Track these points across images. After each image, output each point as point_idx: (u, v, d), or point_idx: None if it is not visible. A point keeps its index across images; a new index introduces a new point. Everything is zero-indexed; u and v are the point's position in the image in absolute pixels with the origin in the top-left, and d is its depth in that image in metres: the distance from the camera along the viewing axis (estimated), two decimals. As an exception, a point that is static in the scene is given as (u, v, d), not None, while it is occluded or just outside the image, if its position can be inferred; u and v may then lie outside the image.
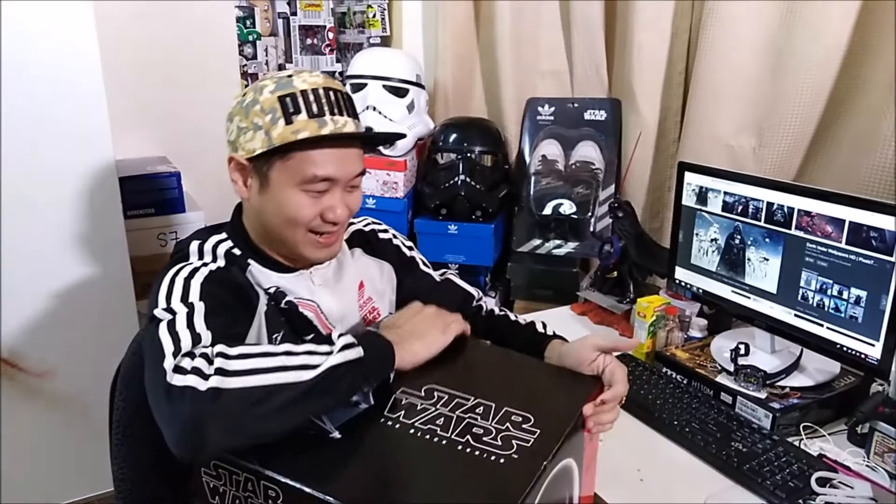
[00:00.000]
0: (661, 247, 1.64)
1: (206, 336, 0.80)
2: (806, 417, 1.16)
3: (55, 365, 1.62)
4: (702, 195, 1.35)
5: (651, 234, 1.96)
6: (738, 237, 1.29)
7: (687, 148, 1.82)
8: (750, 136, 1.71)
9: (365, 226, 1.18)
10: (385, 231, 1.20)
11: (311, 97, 0.92)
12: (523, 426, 0.78)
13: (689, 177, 1.38)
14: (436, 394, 0.84)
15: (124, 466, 1.07)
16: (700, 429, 1.14)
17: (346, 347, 0.80)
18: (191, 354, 0.76)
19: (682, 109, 1.87)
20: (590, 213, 1.97)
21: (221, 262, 0.96)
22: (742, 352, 1.28)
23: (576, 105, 2.07)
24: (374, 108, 1.90)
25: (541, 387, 0.93)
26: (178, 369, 0.74)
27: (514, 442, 0.75)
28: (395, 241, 1.19)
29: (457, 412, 0.80)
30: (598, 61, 2.05)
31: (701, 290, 1.39)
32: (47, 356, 1.60)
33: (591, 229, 1.98)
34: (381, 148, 1.92)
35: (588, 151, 2.04)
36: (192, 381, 0.72)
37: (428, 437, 0.76)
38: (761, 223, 1.24)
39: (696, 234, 1.38)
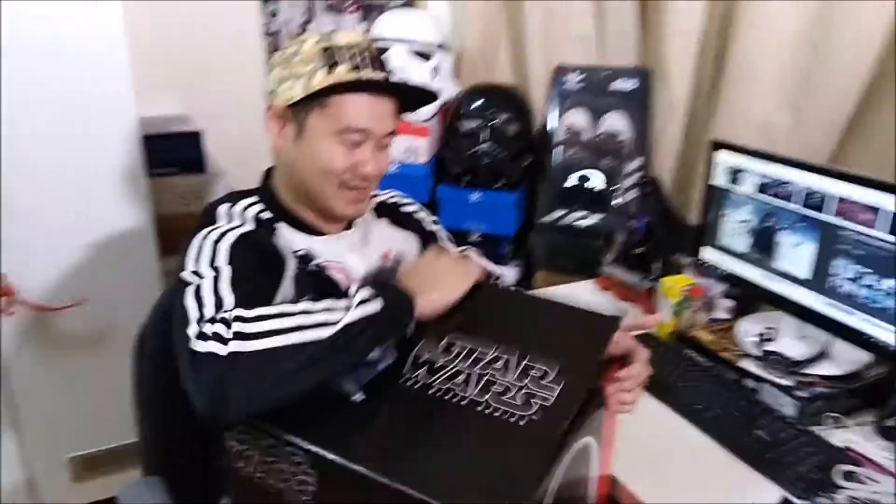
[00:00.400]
0: (689, 225, 1.60)
1: (230, 300, 0.80)
2: (832, 407, 1.14)
3: (79, 324, 1.64)
4: (734, 175, 1.32)
5: (678, 209, 1.93)
6: (772, 220, 1.25)
7: (719, 123, 1.76)
8: (785, 113, 1.65)
9: (389, 198, 1.19)
10: (409, 204, 1.21)
11: (353, 51, 0.96)
12: (542, 381, 0.77)
13: (722, 155, 1.34)
14: (455, 348, 0.82)
15: (150, 426, 1.09)
16: (722, 414, 1.13)
17: (364, 302, 0.78)
18: (213, 320, 0.75)
19: (714, 82, 1.81)
20: (615, 186, 1.93)
21: (251, 226, 0.96)
22: (768, 337, 1.26)
23: (605, 73, 2.01)
24: (398, 72, 1.86)
25: (559, 329, 0.90)
26: (201, 335, 0.73)
27: (533, 402, 0.74)
28: (419, 215, 1.20)
29: (476, 368, 0.79)
30: (629, 28, 1.98)
31: (728, 272, 1.36)
32: (71, 314, 1.61)
33: (617, 202, 1.95)
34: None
35: (616, 122, 1.99)
36: (213, 346, 0.72)
37: (448, 396, 0.75)
38: (797, 207, 1.20)
39: (726, 215, 1.34)
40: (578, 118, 2.02)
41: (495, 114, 1.92)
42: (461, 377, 0.78)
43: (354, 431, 0.72)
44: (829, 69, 1.52)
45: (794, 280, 1.22)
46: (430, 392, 0.76)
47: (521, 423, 0.71)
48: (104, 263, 1.63)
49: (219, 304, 0.79)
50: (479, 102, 1.94)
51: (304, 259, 0.99)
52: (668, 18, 1.81)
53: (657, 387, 1.18)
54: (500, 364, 0.80)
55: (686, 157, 1.91)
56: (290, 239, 0.99)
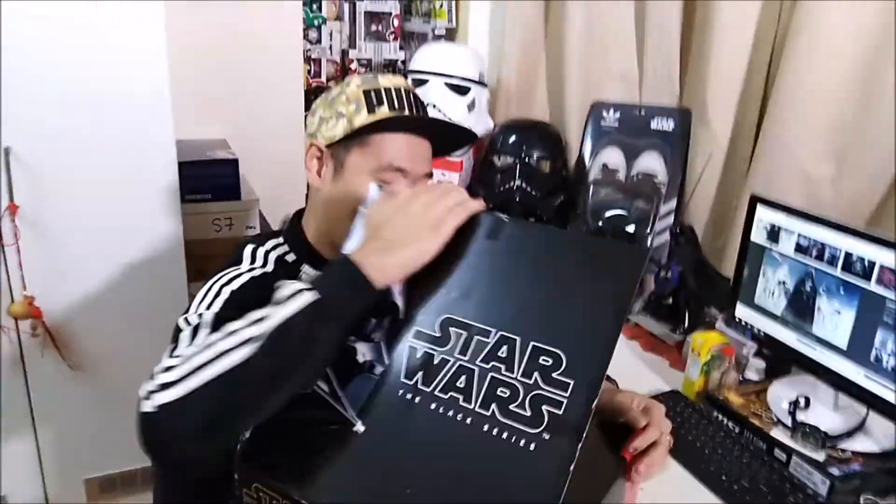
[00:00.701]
0: (723, 276, 1.56)
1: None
2: (867, 486, 1.09)
3: (104, 345, 1.66)
4: (773, 232, 1.27)
5: (712, 254, 1.87)
6: (810, 283, 1.20)
7: (759, 169, 1.71)
8: (829, 163, 1.59)
9: None
10: None
11: (394, 94, 0.98)
12: (554, 375, 0.68)
13: (762, 212, 1.30)
14: (451, 331, 0.73)
15: (164, 487, 1.08)
16: (750, 488, 1.08)
17: (293, 296, 0.67)
18: (151, 376, 0.69)
19: (757, 126, 1.76)
20: (648, 230, 1.89)
21: (269, 268, 0.97)
22: (802, 405, 1.21)
23: (643, 112, 1.98)
24: (435, 106, 1.86)
25: (571, 288, 0.75)
26: (150, 389, 0.66)
27: (544, 410, 0.67)
28: None
29: (478, 360, 0.71)
30: (671, 67, 1.94)
31: (762, 333, 1.31)
32: (95, 338, 1.63)
33: (649, 244, 1.90)
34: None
35: (652, 163, 1.95)
36: (146, 405, 0.64)
37: (451, 413, 0.69)
38: (837, 272, 1.15)
39: (763, 274, 1.30)
40: (613, 156, 1.99)
41: (530, 150, 1.90)
42: (463, 378, 0.70)
43: (361, 481, 0.69)
44: (877, 120, 1.46)
45: (832, 348, 1.17)
46: (432, 407, 0.70)
47: (531, 447, 0.66)
48: (133, 286, 1.64)
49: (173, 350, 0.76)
50: (513, 138, 1.93)
51: None
52: (713, 59, 1.77)
53: (682, 452, 1.15)
54: (504, 351, 0.71)
55: (722, 203, 1.86)
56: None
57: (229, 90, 2.07)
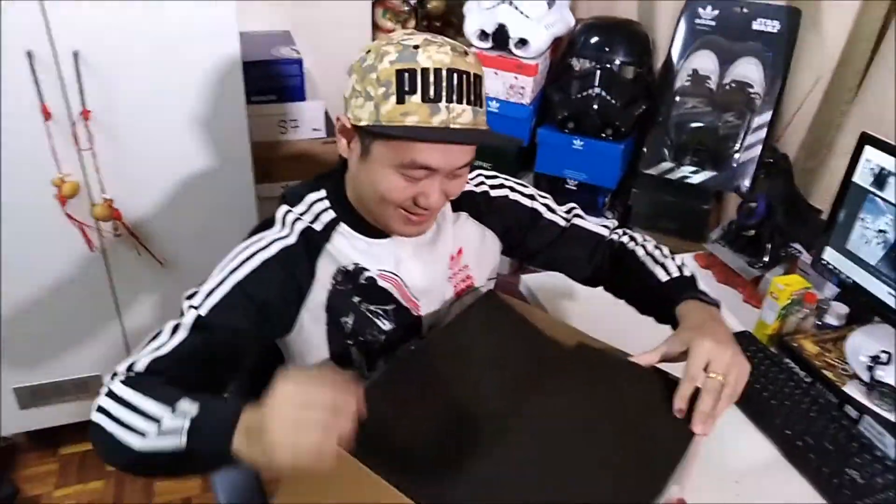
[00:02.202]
0: (815, 210, 1.45)
1: (142, 364, 0.82)
2: (941, 453, 1.05)
3: (178, 243, 1.71)
4: (881, 177, 1.15)
5: (804, 174, 1.74)
6: (914, 237, 1.10)
7: (873, 85, 1.53)
8: (957, 85, 1.41)
9: (477, 185, 1.08)
10: (500, 187, 1.09)
11: (432, 78, 0.82)
12: None
13: (870, 152, 1.17)
14: None
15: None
16: (815, 444, 1.06)
17: (166, 434, 0.71)
18: (115, 374, 0.82)
19: (876, 40, 1.55)
20: (736, 146, 1.76)
21: (292, 240, 0.93)
22: (883, 360, 1.15)
23: (745, 10, 1.77)
24: (511, 2, 1.71)
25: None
26: (109, 380, 0.81)
27: None
28: (513, 196, 1.09)
29: None
30: (783, -42, 1.71)
31: (851, 280, 1.23)
32: (169, 238, 1.69)
33: (735, 160, 1.78)
34: (512, 48, 1.76)
35: (749, 70, 1.77)
36: (101, 395, 0.79)
37: None
38: (949, 229, 1.05)
39: (862, 219, 1.19)
40: (706, 61, 1.82)
41: (612, 55, 1.75)
42: None
43: None
44: None
45: (928, 307, 1.09)
46: None
47: None
48: (202, 189, 1.67)
49: (134, 360, 0.83)
50: (595, 39, 1.77)
51: (354, 274, 0.95)
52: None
53: (747, 399, 1.12)
54: None
55: (822, 123, 1.69)
56: (342, 249, 0.95)
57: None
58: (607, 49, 1.76)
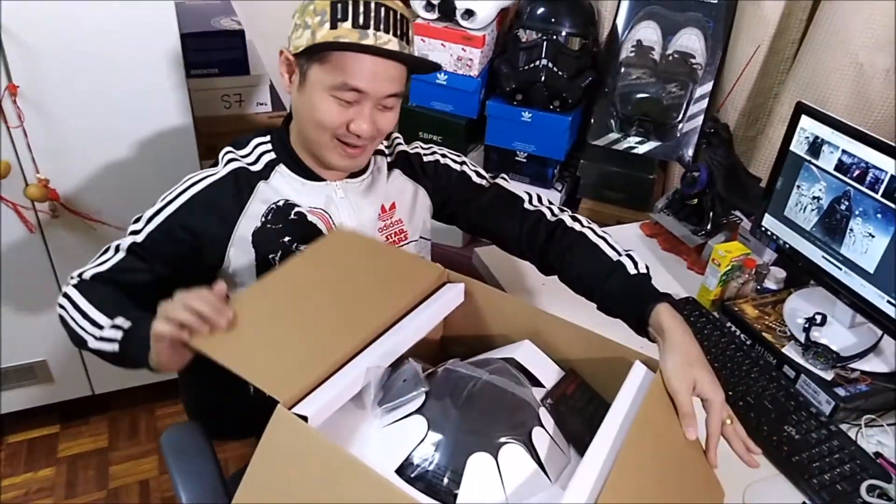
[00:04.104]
0: (754, 178, 1.50)
1: (113, 261, 0.99)
2: (871, 406, 1.12)
3: (119, 226, 1.65)
4: (815, 146, 1.20)
5: (745, 143, 1.80)
6: (846, 203, 1.15)
7: (807, 54, 1.58)
8: (886, 55, 1.47)
9: (412, 149, 1.18)
10: (431, 154, 1.19)
11: (361, 7, 0.93)
12: None
13: (806, 121, 1.21)
14: None
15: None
16: (755, 404, 1.12)
17: (107, 340, 0.90)
18: (73, 277, 0.99)
19: (812, 6, 1.60)
20: (680, 116, 1.79)
21: (220, 174, 1.03)
22: (818, 321, 1.21)
23: (688, -20, 1.79)
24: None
25: None
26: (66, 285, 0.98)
27: None
28: (443, 161, 1.18)
29: None
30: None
31: (787, 246, 1.28)
32: (111, 217, 1.63)
33: (678, 130, 1.81)
34: (459, 19, 1.74)
35: (690, 41, 1.80)
36: (65, 289, 0.98)
37: None
38: (877, 195, 1.10)
39: (798, 187, 1.24)
40: (649, 33, 1.84)
41: (558, 26, 1.75)
42: None
43: None
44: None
45: (859, 270, 1.15)
46: None
47: None
48: (145, 166, 1.61)
49: (97, 263, 1.00)
50: (541, 10, 1.77)
51: (282, 210, 1.03)
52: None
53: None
54: None
55: (764, 84, 1.74)
56: (277, 187, 1.05)
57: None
58: (553, 20, 1.76)
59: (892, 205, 1.07)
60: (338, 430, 0.75)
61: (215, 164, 1.06)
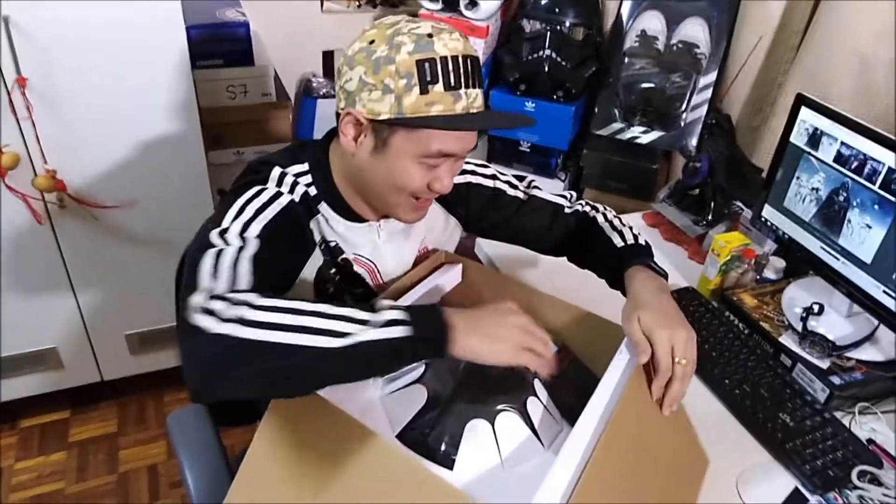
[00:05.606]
0: (756, 168, 1.50)
1: (245, 281, 0.76)
2: (866, 394, 1.13)
3: (129, 216, 1.68)
4: (815, 137, 1.20)
5: (748, 133, 1.80)
6: (844, 194, 1.16)
7: (811, 45, 1.58)
8: (889, 46, 1.46)
9: None
10: (461, 173, 1.09)
11: (451, 65, 0.83)
12: None
13: (805, 113, 1.22)
14: None
15: None
16: (751, 392, 1.13)
17: (392, 324, 0.70)
18: (219, 297, 0.71)
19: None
20: (683, 107, 1.80)
21: (296, 197, 0.92)
22: (815, 311, 1.22)
23: (691, -30, 1.79)
24: (460, -38, 1.69)
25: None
26: (201, 310, 0.69)
27: None
28: (475, 181, 1.10)
29: None
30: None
31: (786, 236, 1.29)
32: (119, 208, 1.65)
33: (682, 120, 1.82)
34: (462, 9, 1.75)
35: (695, 31, 1.80)
36: (206, 322, 0.68)
37: None
38: (875, 187, 1.11)
39: (798, 178, 1.25)
40: (653, 23, 1.84)
41: (562, 16, 1.76)
42: None
43: None
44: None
45: (856, 260, 1.16)
46: None
47: None
48: (152, 157, 1.63)
49: (232, 282, 0.75)
50: (545, 0, 1.77)
51: (333, 252, 0.97)
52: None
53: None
54: None
55: (767, 75, 1.74)
56: (325, 226, 0.96)
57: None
58: (557, 10, 1.76)
59: (889, 196, 1.08)
60: (341, 399, 0.75)
61: (256, 182, 0.92)
